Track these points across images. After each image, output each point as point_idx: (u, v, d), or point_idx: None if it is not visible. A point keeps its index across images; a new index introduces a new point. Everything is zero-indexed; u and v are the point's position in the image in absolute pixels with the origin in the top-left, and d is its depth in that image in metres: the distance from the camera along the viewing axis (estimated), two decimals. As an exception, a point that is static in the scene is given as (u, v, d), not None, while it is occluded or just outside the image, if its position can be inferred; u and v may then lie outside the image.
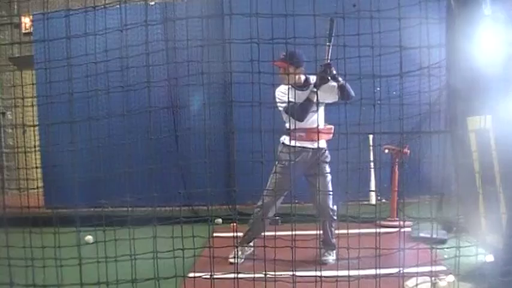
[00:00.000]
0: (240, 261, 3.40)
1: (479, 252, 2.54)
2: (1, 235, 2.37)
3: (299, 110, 3.22)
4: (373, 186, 5.49)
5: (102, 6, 2.60)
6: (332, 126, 3.47)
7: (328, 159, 3.50)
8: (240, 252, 3.49)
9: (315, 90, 3.21)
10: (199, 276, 2.49)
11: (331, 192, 3.41)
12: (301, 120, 3.26)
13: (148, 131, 2.64)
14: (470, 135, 2.92)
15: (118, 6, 2.46)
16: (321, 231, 3.50)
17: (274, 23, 2.06)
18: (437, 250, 3.08)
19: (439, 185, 4.12)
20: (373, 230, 2.32)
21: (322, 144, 3.49)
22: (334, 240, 3.55)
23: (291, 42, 2.17)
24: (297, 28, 2.18)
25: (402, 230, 2.98)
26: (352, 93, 3.32)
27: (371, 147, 5.30)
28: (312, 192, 3.48)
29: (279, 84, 3.42)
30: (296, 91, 3.18)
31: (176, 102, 5.51)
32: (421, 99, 3.02)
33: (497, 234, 2.71)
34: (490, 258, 2.88)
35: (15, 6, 7.23)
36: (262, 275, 2.25)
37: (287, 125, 3.40)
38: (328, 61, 3.24)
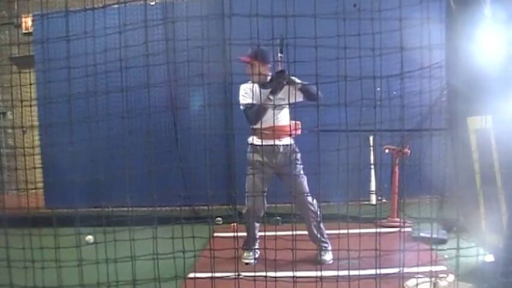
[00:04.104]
0: (255, 262, 3.47)
1: (479, 252, 2.54)
2: (1, 236, 2.37)
3: (253, 115, 3.34)
4: (373, 186, 5.50)
5: (102, 6, 2.60)
6: (299, 122, 3.48)
7: (299, 156, 3.51)
8: (251, 254, 3.56)
9: (271, 97, 3.31)
10: (200, 277, 2.50)
11: (307, 189, 3.40)
12: (254, 123, 3.35)
13: (149, 131, 2.64)
14: (471, 136, 2.92)
15: (118, 6, 2.46)
16: (307, 231, 3.52)
17: (274, 24, 2.06)
18: (438, 250, 3.07)
19: (440, 185, 4.13)
20: (373, 230, 2.32)
21: (290, 141, 3.52)
22: (325, 237, 3.53)
23: (291, 42, 2.17)
24: (297, 28, 2.18)
25: (402, 230, 2.98)
26: (317, 93, 3.31)
27: (371, 148, 5.31)
28: (288, 192, 3.48)
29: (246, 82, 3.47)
30: (260, 90, 3.21)
31: (176, 102, 5.51)
32: (421, 99, 3.01)
33: (497, 234, 2.71)
34: (490, 258, 2.88)
35: (15, 6, 7.23)
36: (262, 276, 2.25)
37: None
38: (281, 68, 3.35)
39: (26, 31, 7.17)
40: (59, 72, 2.51)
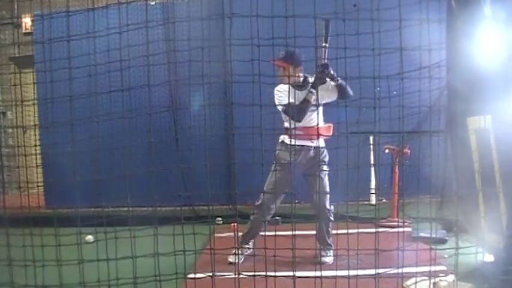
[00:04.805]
0: (240, 260, 3.42)
1: (479, 252, 2.54)
2: (1, 235, 2.37)
3: (297, 111, 3.24)
4: (373, 186, 5.50)
5: (103, 6, 2.60)
6: (331, 125, 3.48)
7: (326, 159, 3.50)
8: (239, 252, 3.50)
9: (312, 90, 3.25)
10: (200, 276, 2.50)
11: (328, 193, 3.40)
12: (299, 120, 3.26)
13: (149, 130, 2.64)
14: (470, 136, 2.92)
15: (118, 6, 2.47)
16: (317, 231, 3.55)
17: (274, 24, 2.06)
18: (437, 250, 3.08)
19: (439, 185, 4.13)
20: (373, 230, 2.32)
21: (321, 143, 3.51)
22: (330, 240, 3.56)
23: (291, 43, 2.18)
24: (297, 29, 2.19)
25: (402, 230, 2.98)
26: (351, 92, 3.34)
27: (371, 147, 5.31)
28: (310, 192, 3.49)
29: (277, 84, 3.43)
30: (295, 91, 3.19)
31: (177, 102, 5.51)
32: (421, 99, 3.02)
33: (497, 234, 2.71)
34: (490, 258, 2.88)
35: (16, 6, 7.24)
36: (262, 275, 2.26)
37: (286, 124, 3.42)
38: (325, 61, 3.26)
39: (26, 31, 7.17)
40: (59, 72, 2.51)
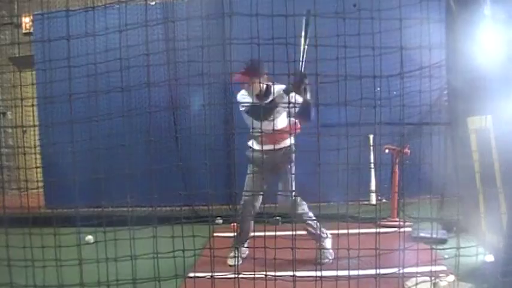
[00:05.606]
0: (239, 262, 3.42)
1: (479, 252, 2.54)
2: (1, 235, 2.37)
3: (263, 110, 3.17)
4: (373, 186, 5.50)
5: (102, 6, 2.60)
6: (296, 121, 3.47)
7: (293, 156, 3.50)
8: (237, 253, 3.52)
9: (283, 94, 3.17)
10: (200, 276, 2.50)
11: (294, 191, 3.39)
12: (263, 118, 3.11)
13: (149, 130, 2.64)
14: (471, 135, 2.92)
15: (118, 6, 2.46)
16: (306, 231, 3.53)
17: (274, 23, 2.06)
18: (437, 250, 3.08)
19: (440, 185, 4.12)
20: (373, 230, 2.32)
21: (288, 142, 3.53)
22: (323, 231, 3.53)
23: (291, 42, 2.17)
24: (297, 28, 2.19)
25: (402, 230, 2.98)
26: (312, 116, 3.26)
27: (371, 147, 5.31)
28: (273, 190, 3.57)
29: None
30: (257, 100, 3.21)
31: (176, 102, 5.51)
32: (421, 99, 3.02)
33: (497, 234, 2.71)
34: (490, 258, 2.88)
35: (16, 6, 7.24)
36: (262, 275, 2.25)
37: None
38: (303, 67, 3.12)
39: (26, 31, 7.17)
40: (59, 72, 2.51)
